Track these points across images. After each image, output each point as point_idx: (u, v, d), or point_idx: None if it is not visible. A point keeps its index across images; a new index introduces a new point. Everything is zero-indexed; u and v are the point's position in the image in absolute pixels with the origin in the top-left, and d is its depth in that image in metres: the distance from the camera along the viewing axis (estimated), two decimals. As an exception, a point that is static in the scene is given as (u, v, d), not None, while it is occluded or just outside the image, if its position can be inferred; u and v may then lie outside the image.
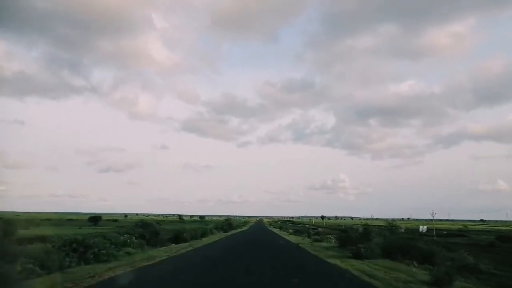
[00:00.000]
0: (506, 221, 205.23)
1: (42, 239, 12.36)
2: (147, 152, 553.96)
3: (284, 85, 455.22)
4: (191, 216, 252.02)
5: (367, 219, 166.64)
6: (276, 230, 64.04)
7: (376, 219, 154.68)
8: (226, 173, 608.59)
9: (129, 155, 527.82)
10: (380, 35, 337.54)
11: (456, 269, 12.52)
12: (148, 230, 20.97)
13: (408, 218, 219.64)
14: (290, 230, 60.71)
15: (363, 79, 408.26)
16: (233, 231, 49.73)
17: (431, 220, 70.35)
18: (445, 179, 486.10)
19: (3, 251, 8.24)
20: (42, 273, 9.20)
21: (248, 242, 30.18)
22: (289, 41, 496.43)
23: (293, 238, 36.86)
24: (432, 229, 63.74)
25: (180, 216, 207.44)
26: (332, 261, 14.94)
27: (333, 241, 29.18)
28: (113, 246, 14.44)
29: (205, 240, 27.96)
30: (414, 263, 14.11)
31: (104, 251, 12.95)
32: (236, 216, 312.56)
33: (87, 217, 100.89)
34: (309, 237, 38.66)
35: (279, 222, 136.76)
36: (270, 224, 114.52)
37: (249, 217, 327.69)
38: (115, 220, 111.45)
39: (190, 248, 20.10)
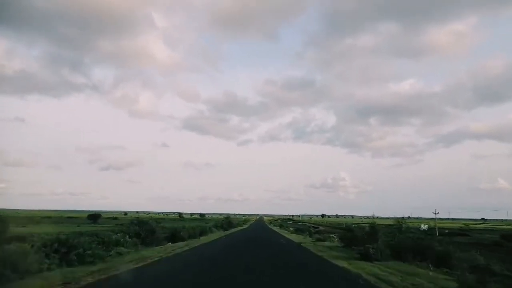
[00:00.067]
0: (506, 220, 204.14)
1: (22, 238, 11.12)
2: (148, 150, 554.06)
3: (285, 84, 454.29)
4: (192, 214, 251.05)
5: (368, 217, 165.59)
6: (276, 229, 63.23)
7: (377, 217, 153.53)
8: (227, 171, 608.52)
9: (130, 153, 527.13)
10: (380, 34, 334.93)
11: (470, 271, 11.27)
12: (144, 228, 19.87)
13: (409, 216, 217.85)
14: (291, 229, 59.98)
15: (364, 78, 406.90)
16: (233, 230, 48.58)
17: (432, 218, 69.19)
18: (445, 177, 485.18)
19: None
20: (13, 278, 8.03)
21: (248, 240, 29.20)
22: (289, 40, 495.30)
23: (294, 237, 35.87)
24: (433, 228, 62.67)
25: (180, 214, 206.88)
26: (339, 263, 13.72)
27: (336, 240, 28.23)
28: (100, 246, 13.25)
29: (204, 239, 26.91)
30: (430, 266, 12.85)
31: (90, 252, 11.76)
32: (237, 214, 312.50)
33: (87, 215, 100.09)
34: (310, 236, 37.75)
35: (279, 221, 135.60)
36: (271, 223, 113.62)
37: (249, 215, 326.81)
38: (115, 218, 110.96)
39: (186, 248, 18.99)
